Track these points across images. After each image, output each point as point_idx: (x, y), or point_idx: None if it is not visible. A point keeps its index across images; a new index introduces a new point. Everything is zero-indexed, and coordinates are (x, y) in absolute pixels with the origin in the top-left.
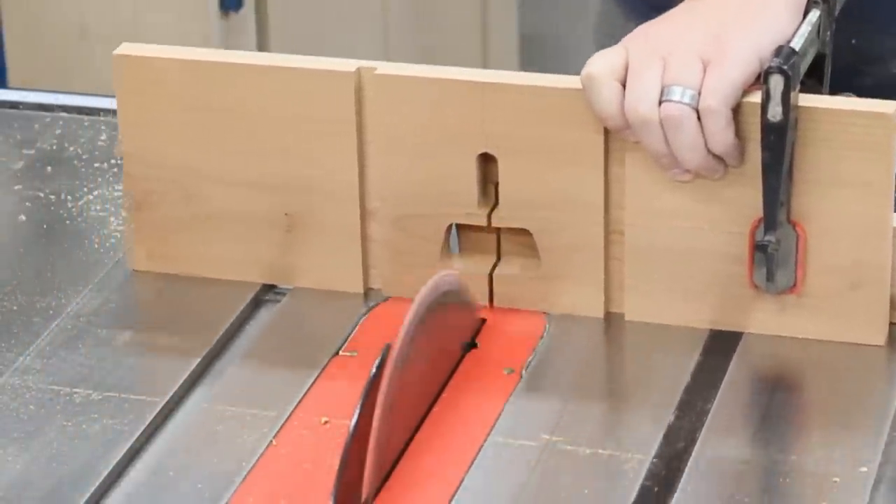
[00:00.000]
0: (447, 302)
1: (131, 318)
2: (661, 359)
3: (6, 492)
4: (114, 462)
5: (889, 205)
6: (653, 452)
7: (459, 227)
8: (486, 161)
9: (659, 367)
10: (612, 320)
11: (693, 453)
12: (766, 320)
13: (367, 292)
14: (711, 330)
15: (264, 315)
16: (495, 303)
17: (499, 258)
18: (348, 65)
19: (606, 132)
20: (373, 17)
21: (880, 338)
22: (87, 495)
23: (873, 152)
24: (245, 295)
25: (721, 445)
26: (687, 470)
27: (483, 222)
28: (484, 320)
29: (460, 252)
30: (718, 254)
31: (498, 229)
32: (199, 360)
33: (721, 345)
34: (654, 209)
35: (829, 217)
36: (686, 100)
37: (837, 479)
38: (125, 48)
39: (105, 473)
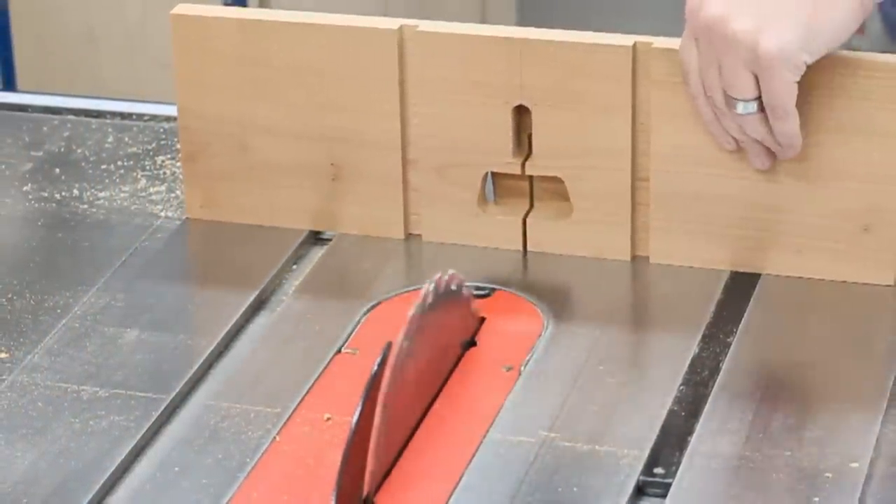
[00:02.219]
0: (447, 301)
1: (137, 317)
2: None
3: (14, 487)
4: (120, 458)
5: None
6: (649, 448)
7: (495, 175)
8: (521, 113)
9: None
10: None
11: (688, 449)
12: (783, 262)
13: (409, 238)
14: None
15: (266, 316)
16: (528, 247)
17: (532, 205)
18: (391, 23)
19: (634, 85)
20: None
21: (889, 278)
22: (94, 491)
23: (888, 102)
24: (247, 296)
25: (716, 441)
26: (682, 465)
27: (517, 171)
28: (483, 319)
29: (496, 199)
30: (738, 199)
31: (531, 177)
32: (203, 358)
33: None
34: (678, 157)
35: (845, 163)
36: (751, 110)
37: (830, 475)
38: (182, 8)
39: (111, 469)
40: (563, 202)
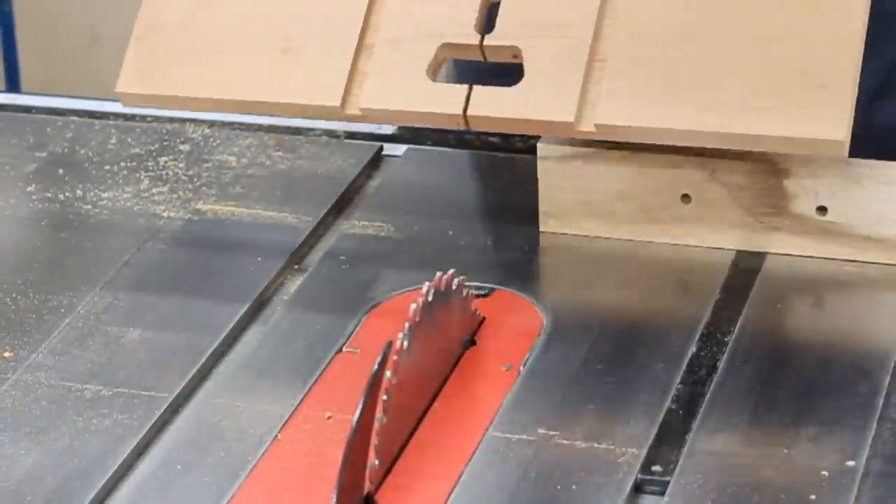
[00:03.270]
0: (447, 301)
1: (140, 317)
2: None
3: (18, 485)
4: (123, 456)
5: (862, 10)
6: (647, 446)
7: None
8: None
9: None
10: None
11: (686, 447)
12: (732, 123)
13: (346, 102)
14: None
15: (267, 315)
16: (469, 111)
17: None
18: None
19: None
20: None
21: (841, 133)
22: (97, 489)
23: None
24: (249, 295)
25: (713, 440)
26: (680, 463)
27: (475, 42)
28: (483, 318)
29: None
30: (696, 62)
31: (484, 51)
32: (205, 357)
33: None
34: (642, 29)
35: (800, 23)
36: None
37: (826, 473)
38: None
39: (114, 467)
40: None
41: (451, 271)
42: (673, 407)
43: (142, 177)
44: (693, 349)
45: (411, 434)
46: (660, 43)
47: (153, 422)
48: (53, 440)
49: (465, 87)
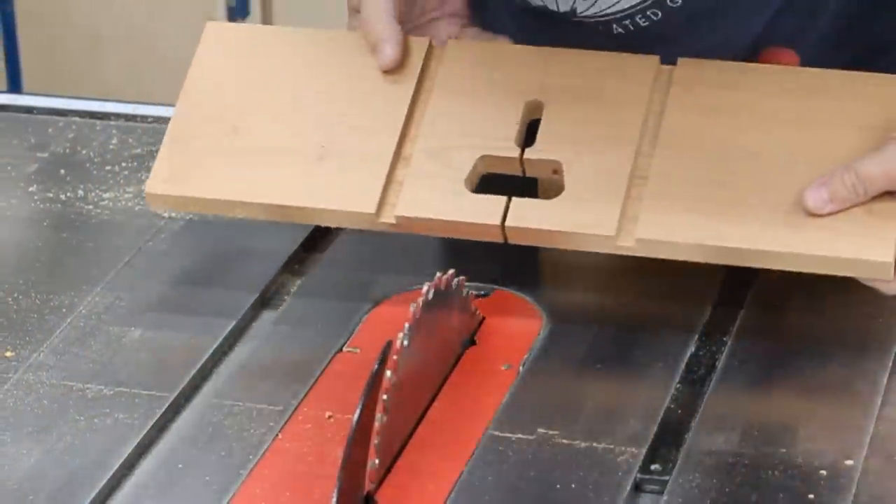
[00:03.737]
0: (447, 301)
1: (142, 316)
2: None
3: (20, 484)
4: (124, 455)
5: None
6: (647, 446)
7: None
8: (532, 109)
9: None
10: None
11: (685, 447)
12: (777, 237)
13: (381, 210)
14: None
15: (268, 315)
16: (508, 221)
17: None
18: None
19: (654, 85)
20: None
21: (889, 255)
22: (99, 488)
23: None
24: (250, 296)
25: (712, 439)
26: (679, 463)
27: (515, 154)
28: (483, 318)
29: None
30: (736, 183)
31: (523, 165)
32: (206, 357)
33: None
34: (683, 147)
35: (843, 144)
36: None
37: (825, 472)
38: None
39: (116, 466)
40: (553, 185)
41: (451, 271)
42: (672, 406)
43: (143, 177)
44: (692, 349)
45: (411, 433)
46: (703, 160)
47: (154, 421)
48: (55, 439)
49: (503, 198)
